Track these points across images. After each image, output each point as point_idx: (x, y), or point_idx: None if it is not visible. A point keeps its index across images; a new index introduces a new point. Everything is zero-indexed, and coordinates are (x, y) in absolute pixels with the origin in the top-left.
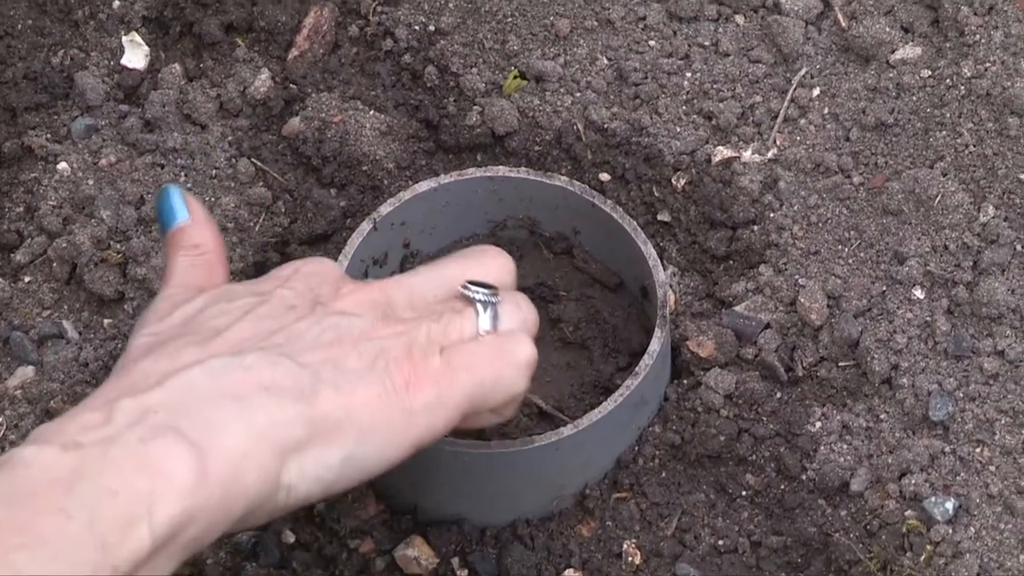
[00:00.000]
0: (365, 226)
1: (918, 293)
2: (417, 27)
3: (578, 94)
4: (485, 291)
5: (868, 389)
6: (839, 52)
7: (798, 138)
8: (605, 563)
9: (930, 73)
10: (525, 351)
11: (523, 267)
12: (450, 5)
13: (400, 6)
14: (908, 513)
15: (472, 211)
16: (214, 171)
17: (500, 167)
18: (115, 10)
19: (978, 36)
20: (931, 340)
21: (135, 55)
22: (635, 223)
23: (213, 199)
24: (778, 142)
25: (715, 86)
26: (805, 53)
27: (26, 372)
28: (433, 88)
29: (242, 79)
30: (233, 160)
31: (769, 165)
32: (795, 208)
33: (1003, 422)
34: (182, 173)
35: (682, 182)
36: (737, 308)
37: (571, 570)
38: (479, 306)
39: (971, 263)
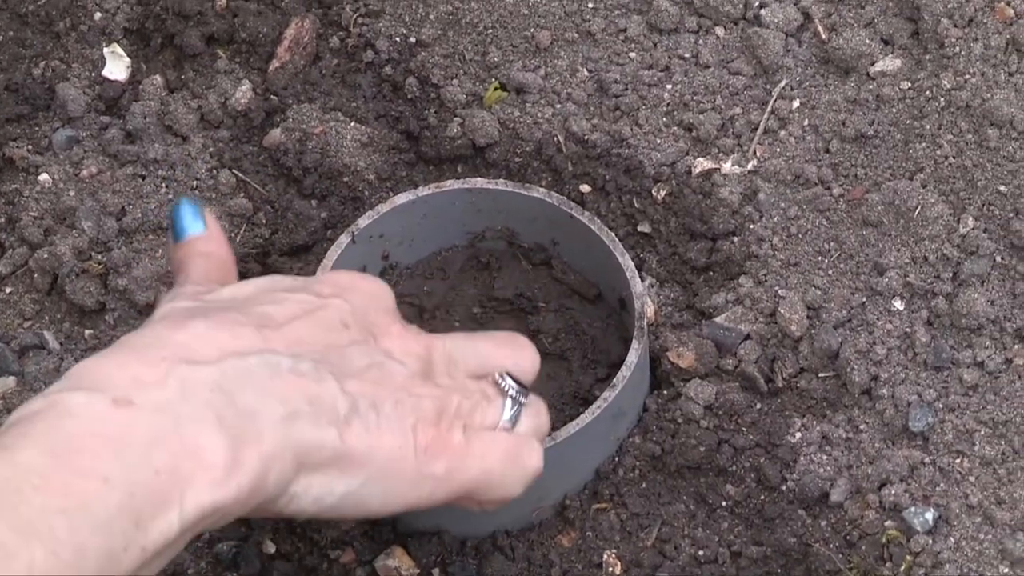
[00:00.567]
0: (344, 239)
1: (898, 304)
2: (398, 39)
3: (559, 106)
4: (518, 389)
5: (848, 400)
6: (819, 64)
7: (778, 150)
8: (585, 573)
9: (910, 85)
10: (536, 462)
11: (501, 278)
12: (431, 17)
13: (381, 18)
14: (888, 523)
15: (450, 223)
16: (195, 182)
17: (478, 179)
18: (96, 22)
19: (958, 48)
20: (911, 351)
21: (116, 67)
22: (613, 234)
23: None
24: (758, 153)
25: (695, 98)
26: (785, 65)
27: (7, 383)
28: (414, 99)
29: (223, 90)
30: (214, 171)
31: (749, 176)
32: (775, 219)
33: (983, 433)
34: (163, 184)
35: (662, 193)
36: (717, 319)
37: None
38: (508, 401)
39: (951, 274)
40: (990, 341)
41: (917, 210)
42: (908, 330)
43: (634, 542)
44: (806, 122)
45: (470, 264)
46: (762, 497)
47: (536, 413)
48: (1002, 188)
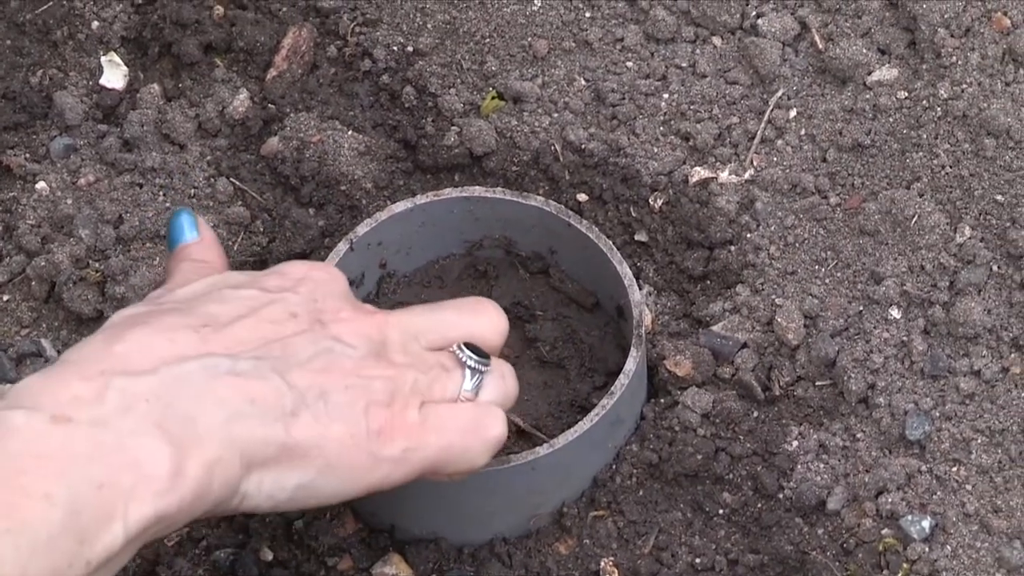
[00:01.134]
0: (342, 246)
1: (895, 313)
2: (395, 48)
3: (556, 115)
4: (477, 358)
5: (845, 408)
6: (816, 74)
7: (775, 159)
8: None
9: (907, 94)
10: (497, 429)
11: (499, 287)
12: (428, 26)
13: (378, 27)
14: (885, 531)
15: (448, 231)
16: (193, 191)
17: (476, 187)
18: (94, 30)
19: (955, 58)
20: (908, 360)
21: (114, 75)
22: (611, 243)
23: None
24: (755, 163)
25: (692, 107)
26: (782, 75)
27: (4, 390)
28: (411, 108)
29: (221, 99)
30: (212, 180)
31: (746, 186)
32: (772, 228)
33: (979, 441)
34: (161, 193)
35: (659, 202)
36: (714, 328)
37: None
38: (468, 372)
39: (947, 283)
40: (987, 350)
41: (914, 219)
42: (905, 339)
43: (631, 550)
44: (803, 131)
45: (468, 272)
46: (759, 505)
47: (500, 380)
48: (999, 197)
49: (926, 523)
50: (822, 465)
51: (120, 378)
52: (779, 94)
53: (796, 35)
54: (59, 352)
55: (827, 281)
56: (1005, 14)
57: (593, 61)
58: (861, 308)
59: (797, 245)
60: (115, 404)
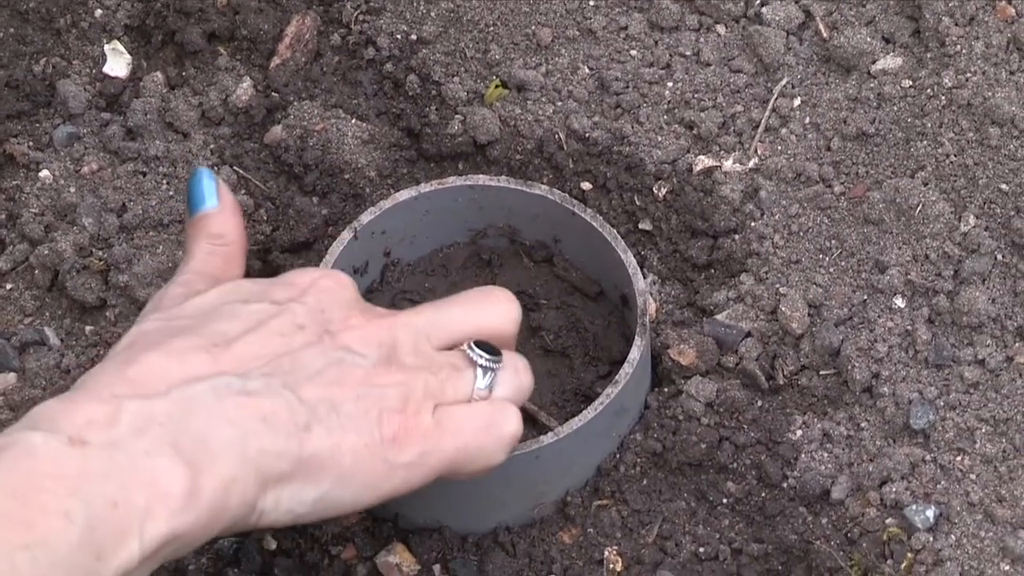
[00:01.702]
0: (346, 235)
1: (899, 302)
2: (399, 36)
3: (560, 103)
4: (488, 356)
5: (849, 397)
6: (820, 62)
7: (779, 148)
8: (586, 570)
9: (911, 83)
10: (512, 427)
11: (503, 276)
12: (432, 14)
13: (382, 15)
14: (889, 521)
15: (452, 220)
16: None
17: (480, 176)
18: (97, 19)
19: (959, 46)
20: (912, 349)
21: (117, 63)
22: (615, 231)
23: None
24: (759, 151)
25: (696, 96)
26: (786, 63)
27: (8, 379)
28: (415, 97)
29: (224, 87)
30: (215, 168)
31: (750, 174)
32: (776, 217)
33: (984, 431)
34: (164, 181)
35: (663, 191)
36: (718, 317)
37: None
38: (479, 370)
39: (952, 272)
40: (991, 339)
41: (918, 208)
42: (909, 328)
43: (635, 539)
44: (807, 120)
45: (472, 261)
46: (763, 494)
47: (513, 374)
48: (1003, 186)
49: (930, 512)
50: (826, 454)
51: (133, 401)
52: (783, 83)
53: (800, 23)
54: (62, 341)
55: (831, 270)
56: (1009, 3)
57: (597, 49)
58: (865, 297)
59: (801, 234)
60: (129, 426)
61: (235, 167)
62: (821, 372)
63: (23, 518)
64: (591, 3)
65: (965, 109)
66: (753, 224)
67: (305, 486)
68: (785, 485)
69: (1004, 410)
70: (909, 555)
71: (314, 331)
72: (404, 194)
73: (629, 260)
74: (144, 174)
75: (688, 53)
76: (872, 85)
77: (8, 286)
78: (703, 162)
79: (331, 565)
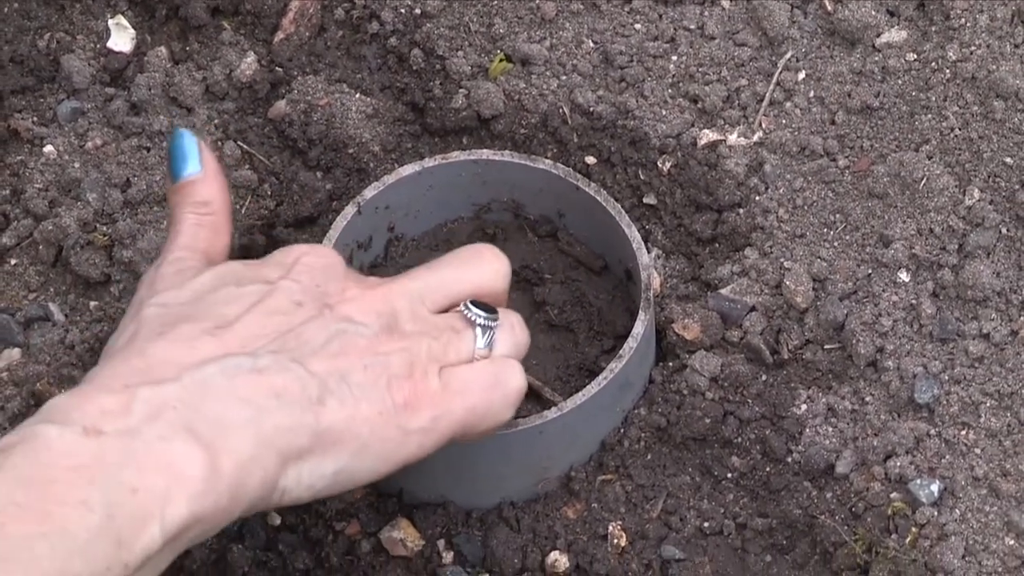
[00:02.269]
0: (349, 210)
1: (903, 276)
2: (403, 10)
3: (564, 77)
4: (485, 315)
5: (853, 372)
6: (825, 35)
7: (784, 121)
8: (591, 545)
9: (915, 57)
10: (517, 382)
11: (508, 250)
12: None
13: None
14: (893, 495)
15: (456, 194)
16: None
17: (484, 150)
18: None
19: (963, 20)
20: (916, 323)
21: (121, 38)
22: (619, 206)
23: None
24: (764, 125)
25: (701, 69)
26: (791, 36)
27: (12, 354)
28: (419, 71)
29: (228, 62)
30: (219, 143)
31: (755, 148)
32: (780, 191)
33: (988, 405)
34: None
35: (668, 165)
36: (723, 291)
37: (556, 552)
38: (478, 329)
39: (956, 246)
40: (996, 313)
41: (923, 182)
42: (914, 302)
43: (639, 514)
44: (812, 94)
45: (476, 236)
46: (767, 469)
47: (510, 332)
48: (1008, 160)
49: (935, 487)
50: (830, 429)
51: (145, 388)
52: (788, 56)
53: None
54: (66, 316)
55: (836, 244)
56: None
57: (601, 23)
58: (870, 271)
59: (806, 208)
60: (143, 413)
61: (239, 142)
62: (825, 346)
63: (40, 509)
64: None
65: (970, 82)
66: (757, 198)
67: (324, 460)
68: (789, 460)
69: (1009, 384)
70: (913, 529)
71: (313, 306)
72: (408, 169)
73: (633, 234)
74: (148, 149)
75: (692, 27)
76: (877, 58)
77: (12, 261)
78: (707, 136)
79: (335, 541)
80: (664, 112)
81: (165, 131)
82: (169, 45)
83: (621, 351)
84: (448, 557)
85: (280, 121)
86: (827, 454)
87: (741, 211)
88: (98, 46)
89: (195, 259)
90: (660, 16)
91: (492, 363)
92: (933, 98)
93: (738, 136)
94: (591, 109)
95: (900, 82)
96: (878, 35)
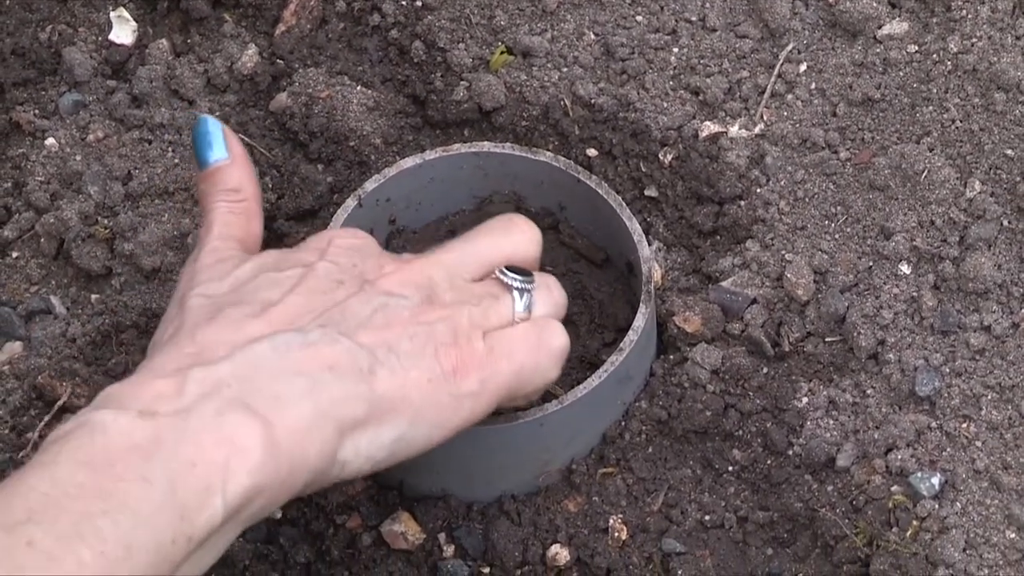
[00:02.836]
0: (350, 202)
1: (904, 268)
2: (404, 2)
3: (565, 69)
4: (521, 278)
5: (855, 364)
6: (826, 27)
7: (785, 113)
8: (591, 538)
9: (917, 48)
10: (560, 339)
11: None
12: None
13: None
14: (894, 488)
15: (457, 187)
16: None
17: (485, 143)
18: None
19: (964, 11)
20: (917, 315)
21: (123, 31)
22: (620, 198)
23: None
24: (765, 117)
25: (702, 61)
26: (792, 28)
27: (14, 347)
28: (420, 63)
29: (229, 54)
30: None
31: (756, 140)
32: (782, 183)
33: (989, 397)
34: (169, 149)
35: (669, 157)
36: (724, 283)
37: (557, 545)
38: (515, 293)
39: (957, 238)
40: (997, 305)
41: (924, 174)
42: (915, 294)
43: (640, 507)
44: (813, 86)
45: None
46: (768, 462)
47: (548, 293)
48: (1009, 152)
49: (936, 480)
50: (832, 422)
51: (197, 369)
52: (789, 48)
53: None
54: (68, 309)
55: (837, 236)
56: None
57: (602, 15)
58: (871, 263)
59: (807, 200)
60: (197, 392)
61: (240, 134)
62: (827, 339)
63: (101, 487)
64: None
65: (971, 74)
66: (759, 190)
67: (381, 429)
68: (791, 453)
69: (1010, 376)
70: (914, 523)
71: (353, 283)
72: (409, 161)
73: (634, 227)
74: (150, 142)
75: (694, 18)
76: (878, 50)
77: (14, 254)
78: (709, 128)
79: (336, 534)
80: (665, 104)
81: (167, 123)
82: (170, 37)
83: (622, 344)
84: (449, 550)
85: (281, 114)
86: (828, 447)
87: (742, 203)
88: (100, 39)
89: (231, 247)
90: (661, 8)
91: (533, 324)
92: (934, 90)
93: (739, 128)
94: (592, 101)
95: (901, 74)
96: (879, 27)
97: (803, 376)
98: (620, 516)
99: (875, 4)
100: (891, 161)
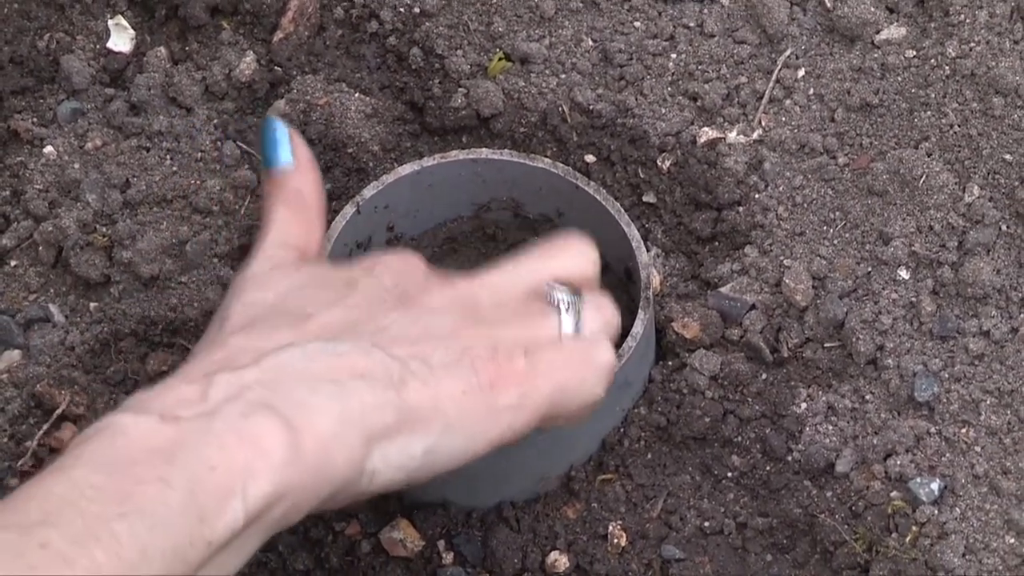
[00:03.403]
0: (348, 209)
1: (903, 274)
2: (402, 9)
3: (563, 76)
4: (568, 298)
5: (853, 370)
6: (824, 33)
7: (783, 119)
8: (591, 545)
9: (915, 53)
10: (606, 357)
11: (507, 250)
12: None
13: None
14: (893, 494)
15: (456, 194)
16: (199, 154)
17: (483, 149)
18: None
19: (963, 16)
20: (916, 321)
21: (121, 38)
22: (618, 205)
23: (199, 182)
24: (763, 123)
25: (700, 67)
26: (790, 34)
27: (12, 356)
28: (418, 70)
29: (227, 62)
30: (218, 143)
31: (754, 146)
32: (780, 189)
33: (988, 402)
34: (168, 156)
35: (667, 163)
36: (722, 289)
37: (556, 552)
38: (562, 308)
39: (956, 243)
40: (996, 310)
41: (922, 179)
42: (914, 299)
43: (639, 513)
44: (811, 91)
45: (476, 235)
46: (767, 468)
47: (598, 310)
48: (1007, 157)
49: (935, 485)
50: (831, 427)
51: (223, 374)
52: (787, 53)
53: None
54: (67, 318)
55: (835, 242)
56: None
57: (600, 21)
58: (869, 269)
59: (805, 206)
60: (221, 396)
61: (238, 142)
62: (826, 344)
63: (119, 489)
64: None
65: (969, 79)
66: (757, 196)
67: (411, 439)
68: (790, 458)
69: (1009, 382)
70: (914, 528)
71: (394, 300)
72: (406, 168)
73: (632, 233)
74: (148, 149)
75: (692, 24)
76: (876, 55)
77: (13, 263)
78: (707, 134)
79: (335, 541)
80: (663, 110)
81: (165, 131)
82: (168, 45)
83: (621, 350)
84: (448, 557)
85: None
86: (827, 453)
87: (741, 209)
88: (98, 46)
89: (287, 255)
90: (659, 14)
91: (578, 341)
92: (932, 95)
93: (738, 134)
94: (590, 107)
95: (899, 79)
96: (877, 32)
97: (802, 382)
98: (619, 523)
99: (873, 9)
100: (889, 166)
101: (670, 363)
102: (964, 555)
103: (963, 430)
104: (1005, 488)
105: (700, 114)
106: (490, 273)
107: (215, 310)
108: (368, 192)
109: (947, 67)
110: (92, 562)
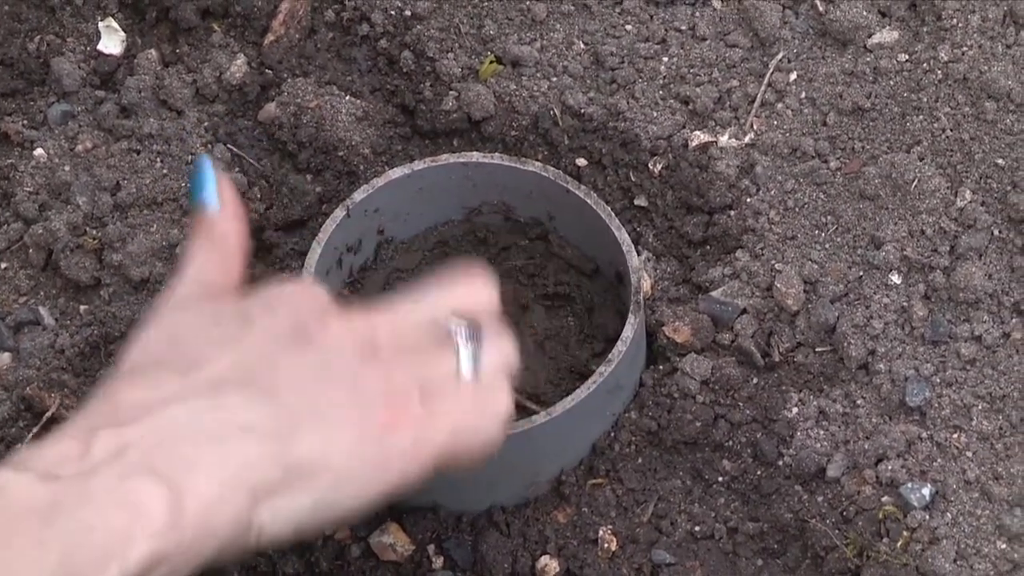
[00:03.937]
0: (338, 213)
1: (895, 278)
2: (393, 12)
3: (555, 79)
4: (468, 334)
5: (845, 375)
6: (816, 36)
7: (775, 123)
8: (581, 549)
9: (907, 57)
10: (503, 404)
11: (498, 253)
12: None
13: None
14: (885, 499)
15: (446, 197)
16: (190, 157)
17: (474, 153)
18: None
19: (955, 20)
20: (908, 325)
21: (111, 41)
22: (609, 208)
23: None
24: (755, 127)
25: (692, 71)
26: (782, 37)
27: (2, 358)
28: (409, 73)
29: (218, 64)
30: (209, 146)
31: (746, 150)
32: (772, 193)
33: (980, 408)
34: (158, 159)
35: (659, 167)
36: (713, 293)
37: (547, 556)
38: (460, 344)
39: (948, 248)
40: (987, 315)
41: (914, 183)
42: (905, 304)
43: (630, 518)
44: (803, 95)
45: (467, 239)
46: (758, 472)
47: (497, 350)
48: (999, 161)
49: (926, 490)
50: (822, 432)
51: (106, 431)
52: (779, 57)
53: None
54: (56, 320)
55: (827, 246)
56: None
57: (592, 24)
58: (861, 273)
59: (797, 210)
60: (103, 454)
61: (229, 145)
62: (817, 349)
63: None
64: None
65: (961, 83)
66: (749, 200)
67: (300, 493)
68: (781, 463)
69: (1001, 387)
70: (905, 533)
71: (290, 340)
72: (397, 172)
73: (623, 237)
74: (138, 152)
75: (684, 28)
76: (868, 59)
77: (3, 265)
78: (699, 138)
79: (325, 546)
80: (655, 114)
81: (155, 134)
82: (159, 48)
83: (611, 355)
84: (438, 562)
85: (270, 124)
86: (818, 457)
87: (732, 213)
88: (88, 49)
89: (196, 290)
90: (651, 17)
91: (476, 383)
92: (925, 99)
93: (729, 137)
94: (582, 111)
95: (892, 83)
96: (870, 36)
97: (793, 386)
98: (610, 527)
99: (865, 13)
100: (881, 170)
101: (661, 367)
102: (955, 560)
103: (954, 435)
104: (996, 493)
105: (692, 118)
106: (390, 307)
107: None
108: (358, 195)
109: (939, 71)
110: None
